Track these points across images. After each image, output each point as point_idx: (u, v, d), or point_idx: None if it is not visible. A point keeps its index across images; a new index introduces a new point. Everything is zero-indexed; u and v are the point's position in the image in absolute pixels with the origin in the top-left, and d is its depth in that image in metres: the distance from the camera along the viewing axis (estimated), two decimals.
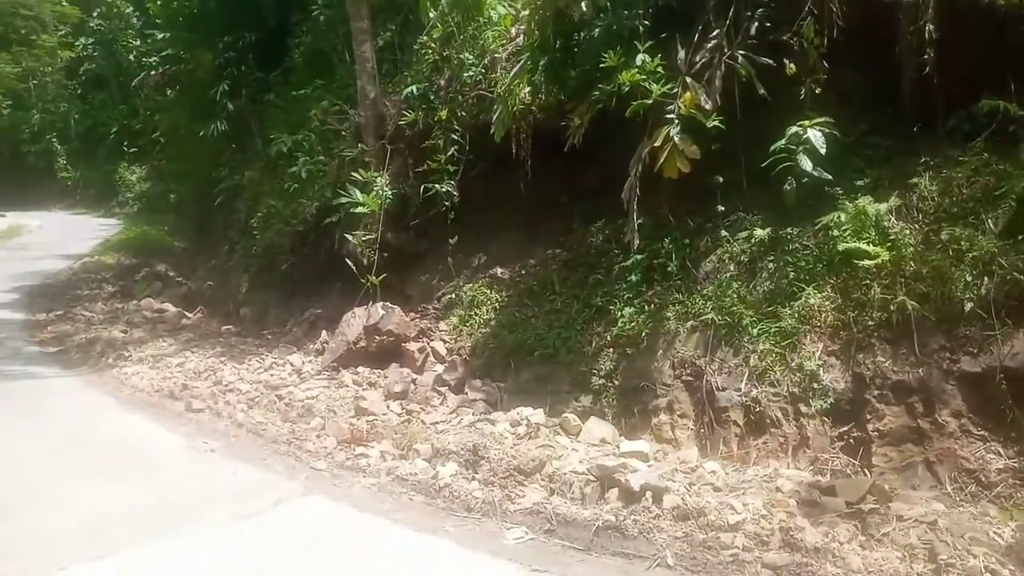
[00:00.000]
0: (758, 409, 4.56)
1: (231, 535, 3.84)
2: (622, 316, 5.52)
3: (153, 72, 16.24)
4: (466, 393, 6.08)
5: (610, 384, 5.38)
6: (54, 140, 35.28)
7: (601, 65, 5.25)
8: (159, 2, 14.48)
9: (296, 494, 4.44)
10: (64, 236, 23.28)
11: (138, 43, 25.91)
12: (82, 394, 6.94)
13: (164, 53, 15.38)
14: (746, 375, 4.69)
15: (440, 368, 6.65)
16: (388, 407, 5.84)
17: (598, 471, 4.19)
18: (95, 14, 32.47)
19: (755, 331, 4.79)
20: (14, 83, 33.01)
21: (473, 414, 5.60)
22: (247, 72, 12.12)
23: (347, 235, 7.55)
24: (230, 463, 4.99)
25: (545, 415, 5.34)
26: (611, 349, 5.51)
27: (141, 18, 22.21)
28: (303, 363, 7.19)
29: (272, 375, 6.95)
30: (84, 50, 33.58)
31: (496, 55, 7.20)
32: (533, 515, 4.00)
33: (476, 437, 4.94)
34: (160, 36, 15.95)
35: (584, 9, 5.31)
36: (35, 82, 33.99)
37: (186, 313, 10.56)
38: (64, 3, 33.61)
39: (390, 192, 7.49)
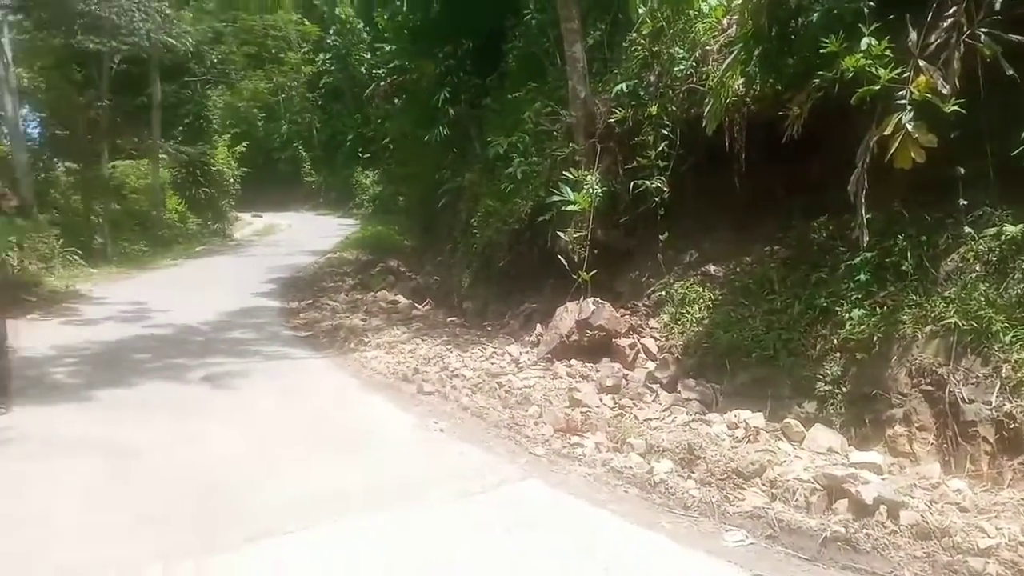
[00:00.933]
0: (1013, 426, 4.11)
1: (457, 510, 4.15)
2: (850, 318, 5.21)
3: (382, 83, 17.67)
4: (679, 392, 6.06)
5: (837, 391, 5.11)
6: (300, 147, 39.49)
7: (821, 51, 4.98)
8: (386, 17, 15.70)
9: (516, 477, 4.68)
10: (310, 234, 26.04)
11: (368, 56, 28.29)
12: (329, 374, 7.77)
13: (391, 65, 16.69)
14: (997, 387, 4.25)
15: (651, 365, 6.67)
16: (601, 400, 5.97)
17: (825, 480, 4.01)
18: (331, 31, 35.78)
19: (1007, 338, 4.32)
20: (267, 97, 37.32)
21: (687, 413, 5.57)
22: (466, 79, 12.82)
23: (559, 232, 7.78)
24: (456, 443, 5.36)
25: (765, 419, 5.18)
26: (838, 353, 5.23)
27: (371, 33, 24.14)
28: (520, 353, 7.52)
29: (492, 363, 7.35)
30: (323, 65, 37.21)
31: (707, 47, 7.08)
32: (753, 519, 3.92)
33: (691, 436, 4.92)
34: (388, 49, 17.33)
35: None
36: (283, 96, 38.20)
37: (416, 305, 11.41)
38: (306, 22, 37.42)
39: (600, 190, 7.61)
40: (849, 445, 4.71)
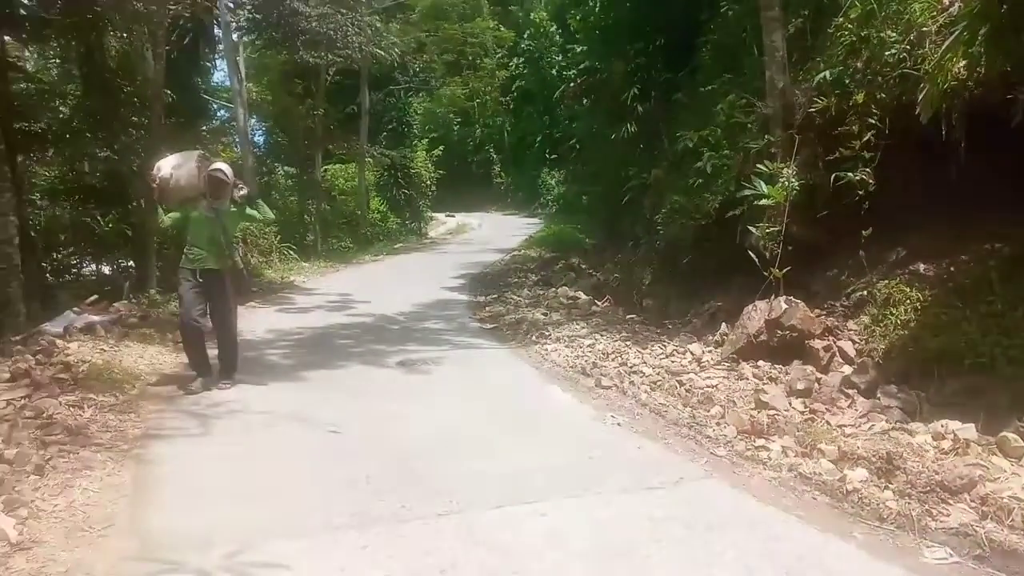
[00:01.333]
0: None
1: (636, 502, 4.12)
2: None
3: (572, 84, 17.90)
4: (878, 398, 5.62)
5: None
6: (491, 150, 40.99)
7: None
8: (579, 19, 15.89)
9: (697, 476, 4.57)
10: (497, 233, 27.01)
11: (560, 58, 28.80)
12: (512, 364, 8.01)
13: (581, 65, 16.88)
14: None
15: (848, 369, 6.24)
16: (790, 403, 5.67)
17: None
18: (525, 35, 36.78)
19: None
20: (463, 102, 39.08)
21: (887, 421, 5.16)
22: (656, 75, 12.70)
23: (750, 228, 7.48)
24: (634, 437, 5.33)
25: (977, 432, 4.69)
26: None
27: (563, 35, 24.55)
28: (702, 352, 7.32)
29: (673, 361, 7.22)
30: (516, 69, 38.34)
31: (924, 29, 6.48)
32: (959, 536, 3.56)
33: (890, 445, 4.55)
34: (579, 50, 17.53)
35: None
36: (478, 100, 39.78)
37: (596, 301, 11.46)
38: (502, 28, 38.74)
39: (797, 183, 7.22)
40: None
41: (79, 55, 12.06)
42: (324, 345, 8.92)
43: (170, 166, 6.55)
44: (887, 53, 6.77)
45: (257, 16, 16.95)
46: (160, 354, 7.95)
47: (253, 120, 23.35)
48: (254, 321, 9.99)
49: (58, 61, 15.34)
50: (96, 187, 12.98)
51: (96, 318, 8.62)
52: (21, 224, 9.39)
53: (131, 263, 13.32)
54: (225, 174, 6.57)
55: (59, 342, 7.40)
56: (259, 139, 26.29)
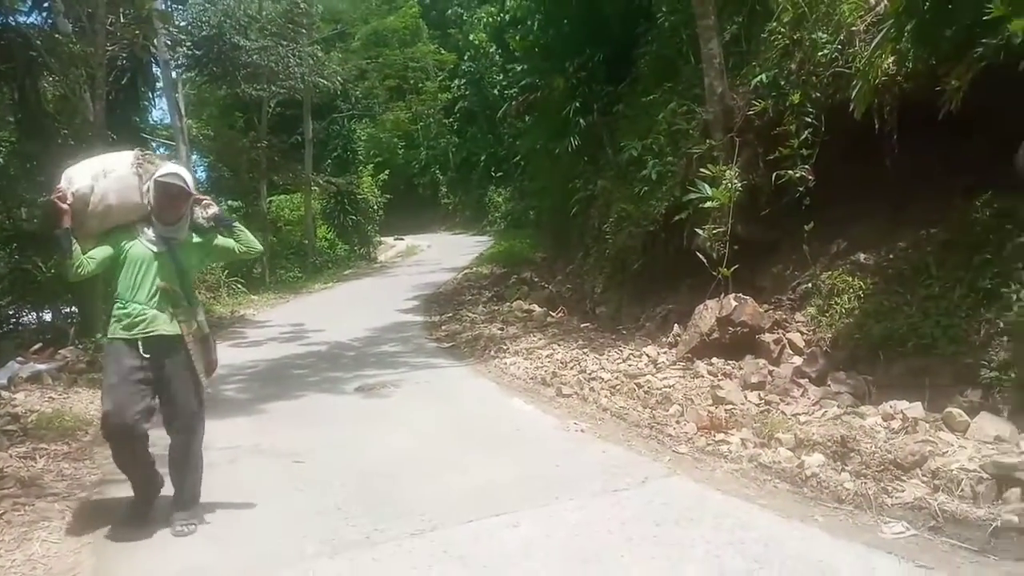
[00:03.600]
0: None
1: (605, 505, 4.17)
2: (1019, 300, 4.81)
3: (513, 102, 18.10)
4: (828, 385, 5.79)
5: (1004, 377, 4.72)
6: (437, 171, 41.05)
7: (984, 17, 4.63)
8: (518, 38, 16.10)
9: (661, 474, 4.65)
10: (447, 253, 26.97)
11: (500, 78, 29.06)
12: (471, 380, 8.02)
13: (522, 83, 17.09)
14: None
15: (798, 360, 6.41)
16: (746, 397, 5.81)
17: (993, 468, 3.72)
18: (465, 57, 37.07)
19: None
20: (407, 126, 39.13)
21: (838, 407, 5.32)
22: (597, 88, 12.90)
23: (697, 230, 7.65)
24: (598, 443, 5.39)
25: (924, 409, 4.87)
26: (1005, 338, 4.83)
27: (503, 55, 24.82)
28: (658, 354, 7.45)
29: (630, 365, 7.32)
30: (458, 90, 38.57)
31: (853, 28, 6.75)
32: (914, 511, 3.70)
33: (843, 429, 4.69)
34: (519, 68, 17.75)
35: None
36: (422, 123, 39.89)
37: (550, 312, 11.54)
38: (442, 51, 39.00)
39: (739, 184, 7.42)
40: (1020, 433, 4.32)
41: (13, 101, 11.74)
42: (280, 377, 8.80)
43: (88, 175, 3.97)
44: (819, 54, 7.03)
45: (197, 52, 16.78)
46: None
47: (195, 156, 23.02)
48: None
49: None
50: (35, 233, 12.60)
51: (42, 366, 8.36)
52: None
53: (74, 308, 12.94)
54: (184, 181, 4.04)
55: (4, 393, 7.16)
56: (201, 174, 25.94)
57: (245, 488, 4.82)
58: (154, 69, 16.44)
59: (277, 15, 20.18)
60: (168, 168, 4.12)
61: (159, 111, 23.14)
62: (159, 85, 16.28)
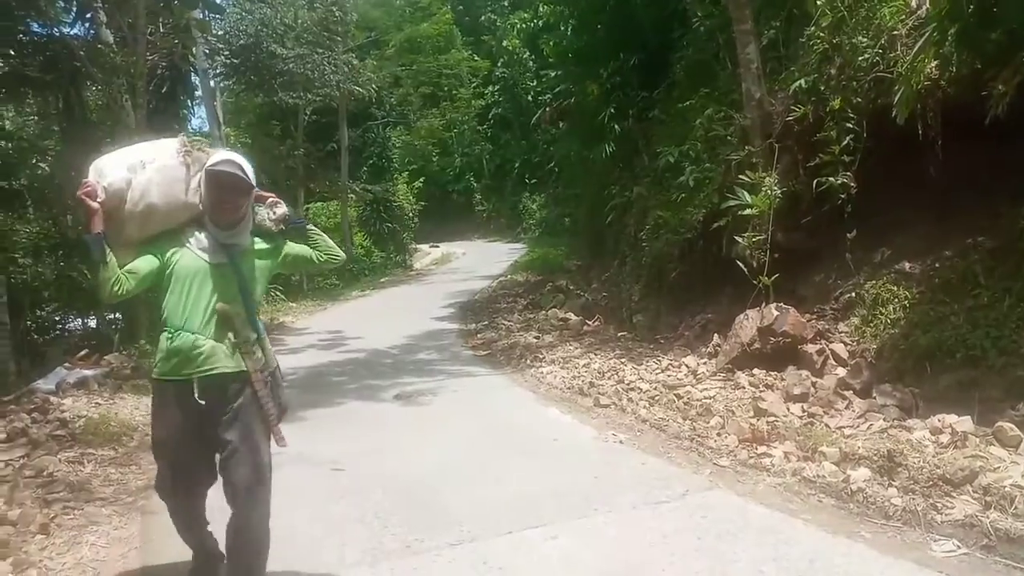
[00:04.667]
0: None
1: (645, 517, 4.14)
2: None
3: (547, 108, 18.13)
4: (873, 398, 5.68)
5: None
6: (471, 178, 41.21)
7: None
8: (551, 43, 16.11)
9: (702, 487, 4.59)
10: (482, 260, 27.07)
11: (534, 84, 29.13)
12: (508, 389, 8.03)
13: (556, 89, 17.10)
14: None
15: (841, 371, 6.30)
16: (788, 409, 5.72)
17: None
18: (499, 63, 37.21)
19: None
20: (441, 133, 39.38)
21: (884, 420, 5.21)
22: (632, 94, 12.86)
23: (736, 238, 7.56)
24: (637, 454, 5.35)
25: (973, 423, 4.74)
26: None
27: (537, 61, 24.87)
28: (697, 365, 7.37)
29: (669, 376, 7.26)
30: (491, 97, 38.72)
31: (895, 32, 6.63)
32: (965, 528, 3.61)
33: (890, 443, 4.59)
34: (553, 74, 17.76)
35: None
36: (456, 130, 40.11)
37: (587, 321, 11.51)
38: (476, 58, 39.21)
39: (779, 191, 7.32)
40: None
41: (58, 110, 12.07)
42: (319, 384, 8.89)
43: (123, 166, 3.08)
44: (860, 58, 6.92)
45: (235, 61, 17.10)
46: None
47: None
48: None
49: (35, 118, 15.36)
50: (79, 241, 12.93)
51: (88, 372, 8.55)
52: (6, 283, 9.34)
53: (118, 314, 13.24)
54: (242, 171, 3.11)
55: (53, 399, 7.33)
56: None
57: (288, 495, 4.86)
58: (193, 78, 16.84)
59: (313, 23, 20.48)
60: (221, 155, 3.17)
61: (198, 119, 23.67)
62: (198, 93, 16.64)
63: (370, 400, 7.82)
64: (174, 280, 3.06)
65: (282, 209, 3.31)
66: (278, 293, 18.84)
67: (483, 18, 40.04)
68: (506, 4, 35.25)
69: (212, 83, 18.16)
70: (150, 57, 11.47)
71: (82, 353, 9.54)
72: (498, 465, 5.26)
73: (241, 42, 17.50)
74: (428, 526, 4.15)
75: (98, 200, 2.95)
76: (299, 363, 10.29)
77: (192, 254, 3.10)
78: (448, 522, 4.18)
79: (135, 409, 7.42)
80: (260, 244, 3.27)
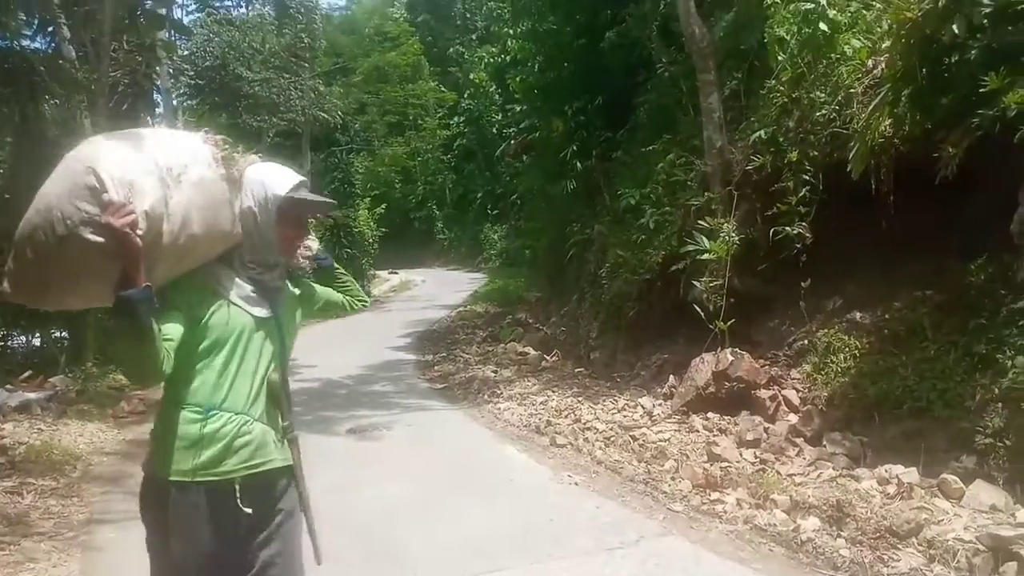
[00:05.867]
0: None
1: (599, 563, 4.14)
2: (1014, 366, 4.82)
3: (512, 141, 18.29)
4: (824, 445, 5.79)
5: (999, 444, 4.70)
6: (434, 207, 41.24)
7: (981, 89, 4.74)
8: (518, 79, 16.33)
9: (655, 533, 4.62)
10: (441, 289, 26.98)
11: (500, 117, 29.40)
12: (465, 425, 7.98)
13: (521, 124, 17.28)
14: None
15: (793, 418, 6.42)
16: (741, 454, 5.80)
17: (990, 541, 3.72)
18: (465, 95, 37.53)
19: None
20: (405, 161, 39.43)
21: (834, 468, 5.32)
22: (595, 133, 13.04)
23: (694, 282, 7.70)
24: (592, 497, 5.36)
25: (919, 475, 4.87)
26: (1000, 404, 4.83)
27: (503, 95, 25.14)
28: (653, 406, 7.43)
29: (625, 416, 7.30)
30: (457, 127, 38.97)
31: (851, 90, 6.89)
32: None
33: (839, 492, 4.69)
34: (519, 109, 17.97)
35: (956, 31, 4.86)
36: (420, 159, 40.20)
37: (545, 356, 11.54)
38: (443, 89, 39.48)
39: (737, 237, 7.49)
40: (1015, 503, 4.34)
41: (14, 125, 11.79)
42: None
43: (154, 177, 2.01)
44: (817, 113, 7.16)
45: (200, 82, 16.96)
46: (100, 431, 7.64)
47: None
48: None
49: None
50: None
51: (31, 395, 8.29)
52: None
53: (64, 333, 12.85)
54: (307, 188, 2.37)
55: None
56: None
57: None
58: (155, 96, 16.64)
59: (280, 48, 20.44)
60: (285, 175, 2.30)
61: None
62: (159, 111, 16.44)
63: (323, 433, 7.68)
64: (208, 340, 2.15)
65: (316, 244, 2.63)
66: None
67: (451, 50, 40.40)
68: (474, 38, 35.70)
69: (175, 102, 18.00)
70: (112, 74, 11.31)
71: (25, 375, 9.25)
72: (454, 504, 5.22)
73: (207, 63, 17.39)
74: (381, 568, 4.08)
75: (140, 233, 1.90)
76: None
77: (234, 307, 2.20)
78: (402, 564, 4.14)
79: (79, 436, 7.21)
80: (293, 289, 2.52)
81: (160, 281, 2.06)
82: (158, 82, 15.56)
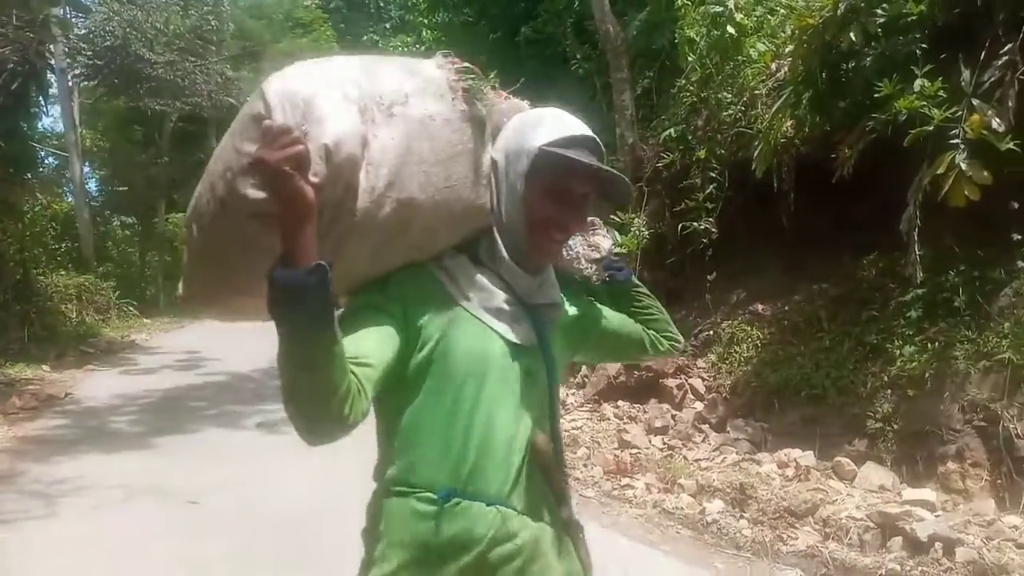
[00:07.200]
0: None
1: None
2: (901, 355, 5.17)
3: None
4: (728, 432, 6.04)
5: (888, 428, 5.04)
6: None
7: (875, 95, 5.03)
8: None
9: None
10: None
11: None
12: (372, 419, 7.87)
13: None
14: None
15: (699, 405, 6.66)
16: (650, 441, 5.99)
17: (879, 518, 3.98)
18: None
19: None
20: None
21: (737, 453, 5.56)
22: None
23: None
24: None
25: (815, 458, 5.15)
26: (889, 391, 5.17)
27: None
28: (566, 395, 7.55)
29: None
30: None
31: (756, 92, 7.20)
32: (807, 558, 3.91)
33: (742, 476, 4.91)
34: None
35: (853, 39, 5.14)
36: None
37: None
38: None
39: (647, 232, 7.71)
40: (901, 483, 4.65)
41: None
42: (175, 408, 8.39)
43: (354, 103, 1.22)
44: (724, 113, 7.44)
45: (98, 62, 16.07)
46: None
47: (87, 168, 21.93)
48: (95, 385, 9.26)
49: None
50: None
51: None
52: None
53: None
54: (593, 151, 1.41)
55: None
56: (93, 188, 24.69)
57: (138, 533, 4.58)
58: (49, 75, 15.69)
59: (185, 30, 19.59)
60: (556, 121, 1.46)
61: (51, 118, 22.02)
62: (53, 91, 15.53)
63: (230, 428, 7.46)
64: (437, 374, 1.35)
65: (607, 241, 1.66)
66: (131, 308, 17.68)
67: (365, 38, 39.71)
68: (388, 27, 35.25)
69: (70, 82, 17.01)
70: (1, 51, 10.60)
71: None
72: (362, 499, 5.15)
73: (107, 43, 16.47)
74: (298, 570, 4.00)
75: (314, 179, 1.13)
76: (154, 385, 9.68)
77: (479, 324, 1.38)
78: (318, 565, 4.03)
79: None
80: (570, 308, 1.58)
81: (361, 270, 1.33)
82: (52, 61, 14.67)
